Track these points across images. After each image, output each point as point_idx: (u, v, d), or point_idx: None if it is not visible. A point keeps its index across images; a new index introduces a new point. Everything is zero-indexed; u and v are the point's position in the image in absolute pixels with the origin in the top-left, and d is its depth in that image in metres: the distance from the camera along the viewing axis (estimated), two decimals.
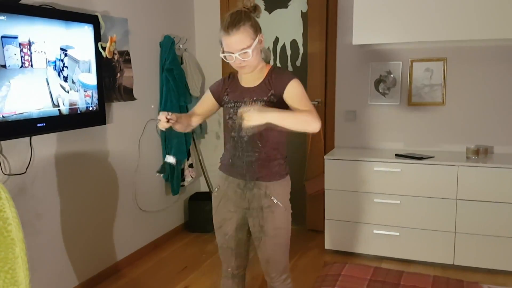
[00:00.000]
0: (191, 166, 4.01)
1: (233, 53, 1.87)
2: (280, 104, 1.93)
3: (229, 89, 2.07)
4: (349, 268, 2.29)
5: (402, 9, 3.25)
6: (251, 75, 2.00)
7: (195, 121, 2.14)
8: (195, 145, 4.16)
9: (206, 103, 2.15)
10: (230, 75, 2.12)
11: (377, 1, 3.31)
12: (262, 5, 3.97)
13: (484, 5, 3.06)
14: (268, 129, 1.89)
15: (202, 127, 4.17)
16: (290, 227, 2.12)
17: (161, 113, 1.90)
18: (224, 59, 1.95)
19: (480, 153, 3.30)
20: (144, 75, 3.50)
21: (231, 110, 2.01)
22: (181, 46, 3.89)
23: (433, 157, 3.34)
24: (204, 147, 4.29)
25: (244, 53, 1.87)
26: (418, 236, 3.29)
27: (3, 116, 2.24)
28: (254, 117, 1.72)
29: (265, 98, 1.95)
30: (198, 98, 4.07)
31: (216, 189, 2.16)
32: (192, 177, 4.02)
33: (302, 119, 1.83)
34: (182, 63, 3.87)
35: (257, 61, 1.95)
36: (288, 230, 2.11)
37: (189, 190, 4.21)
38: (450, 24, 3.16)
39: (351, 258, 3.45)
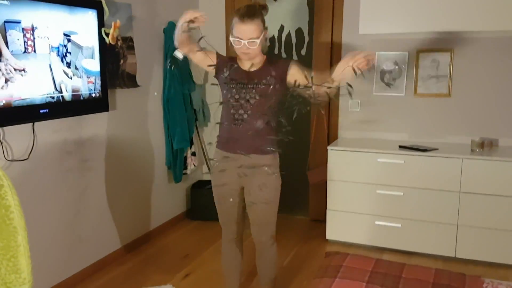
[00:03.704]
0: (193, 154, 4.00)
1: (242, 40, 2.11)
2: (278, 85, 2.21)
3: (232, 68, 2.27)
4: (351, 259, 2.28)
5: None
6: (250, 62, 2.25)
7: (191, 49, 2.27)
8: (198, 133, 4.15)
9: (208, 54, 2.29)
10: (230, 58, 2.33)
11: None
12: None
13: None
14: (266, 107, 2.20)
15: (205, 115, 4.16)
16: (279, 195, 2.36)
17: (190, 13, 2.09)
18: (232, 43, 2.16)
19: (485, 146, 3.28)
20: (147, 62, 3.48)
21: (234, 90, 2.23)
22: None
23: (437, 149, 3.32)
24: (207, 136, 4.27)
25: (252, 42, 2.12)
26: (420, 228, 3.29)
27: (5, 102, 2.22)
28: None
29: (264, 81, 2.21)
30: (201, 86, 4.07)
31: (215, 164, 2.39)
32: (194, 165, 4.02)
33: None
34: None
35: (259, 51, 2.21)
36: (277, 196, 2.36)
37: (191, 178, 4.21)
38: (457, 15, 3.12)
39: (352, 248, 3.45)
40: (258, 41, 2.12)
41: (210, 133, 4.25)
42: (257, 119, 2.22)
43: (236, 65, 2.27)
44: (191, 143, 3.94)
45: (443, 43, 3.48)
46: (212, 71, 2.32)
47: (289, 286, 2.95)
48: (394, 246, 3.39)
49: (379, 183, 3.35)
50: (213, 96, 4.19)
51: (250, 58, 2.20)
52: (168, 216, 3.91)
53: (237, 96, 2.23)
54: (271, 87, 2.20)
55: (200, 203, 4.07)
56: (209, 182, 4.16)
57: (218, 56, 2.33)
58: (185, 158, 3.93)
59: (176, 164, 3.79)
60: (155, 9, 3.55)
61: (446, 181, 3.17)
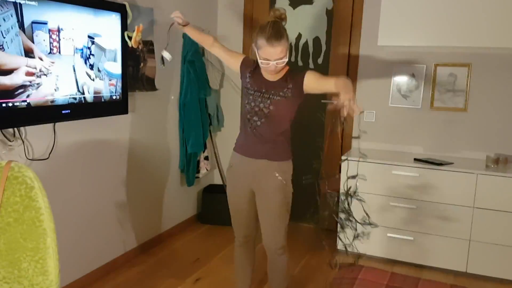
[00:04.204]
0: (206, 158, 4.02)
1: (270, 60, 2.13)
2: (294, 98, 2.25)
3: (253, 75, 2.32)
4: (365, 272, 2.29)
5: (428, 12, 3.22)
6: (273, 74, 2.27)
7: (212, 45, 2.49)
8: (211, 138, 4.16)
9: (233, 57, 2.44)
10: (255, 63, 2.33)
11: (404, 4, 3.28)
12: (286, 1, 3.94)
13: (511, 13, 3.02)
14: (279, 118, 2.25)
15: (220, 120, 4.17)
16: (290, 203, 2.39)
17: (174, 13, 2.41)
18: (260, 64, 2.20)
19: (500, 162, 3.27)
20: (166, 66, 3.48)
21: (250, 97, 2.30)
22: None
23: (453, 163, 3.31)
24: (220, 140, 4.29)
25: (280, 61, 2.14)
26: (432, 242, 3.28)
27: (28, 102, 2.25)
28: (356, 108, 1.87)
29: (281, 93, 2.24)
30: (216, 91, 4.09)
31: (230, 167, 2.45)
32: (207, 170, 4.03)
33: None
34: (203, 55, 3.86)
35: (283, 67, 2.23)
36: (288, 205, 2.37)
37: (203, 182, 4.22)
38: (476, 30, 3.13)
39: (363, 260, 3.44)
40: (285, 59, 2.15)
41: (223, 138, 4.27)
42: (270, 128, 2.27)
43: (258, 72, 2.31)
44: (205, 147, 3.95)
45: (461, 58, 3.48)
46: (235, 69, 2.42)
47: None
48: (405, 259, 3.39)
49: (393, 195, 3.35)
50: (228, 101, 4.21)
51: (276, 73, 2.24)
52: (179, 219, 3.93)
53: (252, 104, 2.29)
54: (287, 100, 2.24)
55: (211, 207, 4.09)
56: (220, 186, 4.22)
57: (244, 61, 2.38)
58: (198, 162, 3.94)
59: (190, 167, 3.81)
60: None
61: (460, 195, 3.17)
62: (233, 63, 2.43)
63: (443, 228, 3.24)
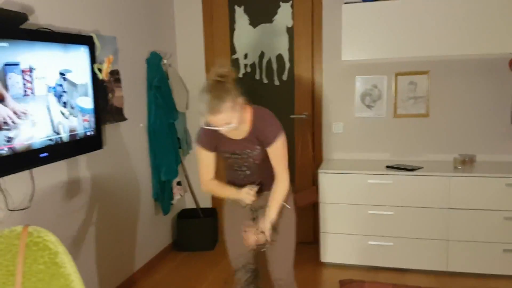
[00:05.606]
0: (179, 183, 3.92)
1: (217, 127, 1.99)
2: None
3: (219, 140, 2.19)
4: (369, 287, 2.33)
5: (387, 25, 3.36)
6: (235, 131, 2.10)
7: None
8: (181, 162, 4.07)
9: (212, 161, 2.25)
10: (213, 131, 2.11)
11: (363, 19, 3.40)
12: (246, 20, 3.95)
13: (465, 23, 3.22)
14: (267, 163, 2.18)
15: (188, 143, 4.10)
16: (295, 230, 2.34)
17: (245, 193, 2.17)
18: (209, 128, 2.04)
19: (467, 163, 3.46)
20: (132, 94, 3.39)
21: (230, 161, 2.25)
22: (165, 61, 3.79)
23: (422, 167, 3.46)
24: (189, 164, 4.20)
25: (228, 126, 1.99)
26: (412, 245, 3.40)
27: (7, 150, 2.09)
28: (268, 229, 2.15)
29: (255, 151, 2.16)
30: (183, 114, 4.02)
31: (229, 200, 2.36)
32: (181, 195, 3.94)
33: (284, 194, 2.19)
34: (168, 79, 3.78)
35: (238, 120, 2.02)
36: (294, 230, 2.33)
37: (175, 208, 4.11)
38: (433, 39, 3.31)
39: (347, 269, 3.51)
40: (235, 122, 1.98)
41: (192, 161, 4.19)
42: (262, 170, 2.22)
43: (221, 134, 2.12)
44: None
45: (420, 66, 3.65)
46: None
47: None
48: (387, 265, 3.48)
49: (370, 203, 3.44)
50: (194, 123, 4.14)
51: (234, 130, 2.07)
52: (155, 251, 3.79)
53: (236, 166, 2.25)
54: (263, 150, 2.16)
55: (187, 233, 3.99)
56: (194, 210, 4.13)
57: (208, 148, 2.21)
58: (171, 188, 3.84)
59: (164, 195, 3.70)
60: (137, 40, 3.47)
61: (435, 198, 3.31)
62: (213, 157, 2.24)
63: (421, 231, 3.36)
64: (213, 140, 2.19)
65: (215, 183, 2.27)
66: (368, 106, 3.81)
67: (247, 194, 2.16)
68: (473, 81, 3.57)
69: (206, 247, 3.99)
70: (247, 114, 2.12)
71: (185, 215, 4.12)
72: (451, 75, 3.61)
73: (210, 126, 2.00)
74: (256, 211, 2.32)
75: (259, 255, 2.41)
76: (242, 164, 2.24)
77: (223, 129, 2.01)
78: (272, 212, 2.15)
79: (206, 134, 2.18)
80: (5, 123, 2.07)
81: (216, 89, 1.94)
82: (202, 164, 2.25)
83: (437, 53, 3.35)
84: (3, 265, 1.36)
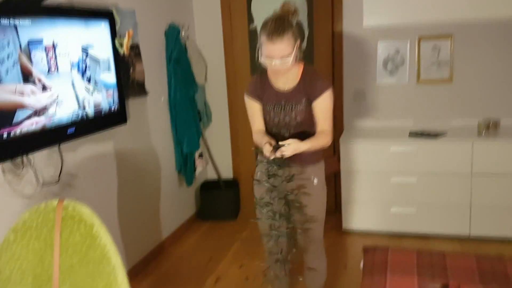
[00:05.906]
0: (201, 156, 3.97)
1: (273, 58, 1.96)
2: (311, 107, 2.13)
3: (264, 91, 2.17)
4: (393, 254, 2.34)
5: None
6: (284, 77, 2.10)
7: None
8: (202, 135, 4.10)
9: (258, 111, 2.21)
10: (260, 75, 2.20)
11: None
12: None
13: None
14: (307, 125, 2.14)
15: (208, 116, 4.11)
16: (325, 207, 2.33)
17: (265, 148, 2.02)
18: (263, 64, 2.03)
19: (491, 127, 3.40)
20: (152, 68, 3.40)
21: (272, 113, 2.17)
22: (183, 33, 3.77)
23: (446, 133, 3.42)
24: (210, 136, 4.23)
25: (285, 60, 1.96)
26: (434, 212, 3.40)
27: (37, 126, 2.14)
28: (290, 151, 1.98)
29: (300, 106, 2.11)
30: (203, 88, 4.02)
31: (257, 175, 2.27)
32: (203, 167, 3.99)
33: (321, 145, 2.13)
34: (186, 51, 3.77)
35: (293, 65, 2.03)
36: (324, 207, 2.32)
37: (198, 179, 4.18)
38: (457, 2, 3.20)
39: (369, 236, 3.54)
40: (291, 58, 1.97)
41: (213, 133, 4.22)
42: (299, 136, 2.11)
43: (266, 82, 2.14)
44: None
45: (443, 30, 3.56)
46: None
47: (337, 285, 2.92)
48: (410, 231, 3.50)
49: (393, 171, 3.44)
50: (213, 95, 4.15)
51: (284, 73, 2.07)
52: (179, 221, 3.87)
53: (276, 120, 2.16)
54: (307, 108, 2.11)
55: (210, 203, 4.06)
56: (215, 182, 4.19)
57: (254, 97, 2.19)
58: (194, 160, 3.89)
59: (187, 167, 3.76)
60: (156, 12, 3.46)
61: (458, 164, 3.28)
62: (260, 107, 2.20)
63: (444, 197, 3.36)
64: (260, 87, 2.17)
65: (260, 134, 2.17)
66: (391, 72, 3.75)
67: (267, 145, 2.02)
68: (497, 45, 3.47)
69: (229, 216, 4.07)
70: (299, 68, 2.12)
71: (208, 186, 4.18)
72: (474, 38, 3.51)
73: (266, 59, 1.97)
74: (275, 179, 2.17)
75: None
76: (282, 124, 2.15)
77: (277, 63, 1.96)
78: (302, 144, 2.01)
79: (254, 83, 2.19)
80: (34, 99, 2.11)
81: (280, 19, 1.96)
82: (249, 114, 2.24)
83: (460, 16, 3.25)
84: (41, 238, 1.42)
